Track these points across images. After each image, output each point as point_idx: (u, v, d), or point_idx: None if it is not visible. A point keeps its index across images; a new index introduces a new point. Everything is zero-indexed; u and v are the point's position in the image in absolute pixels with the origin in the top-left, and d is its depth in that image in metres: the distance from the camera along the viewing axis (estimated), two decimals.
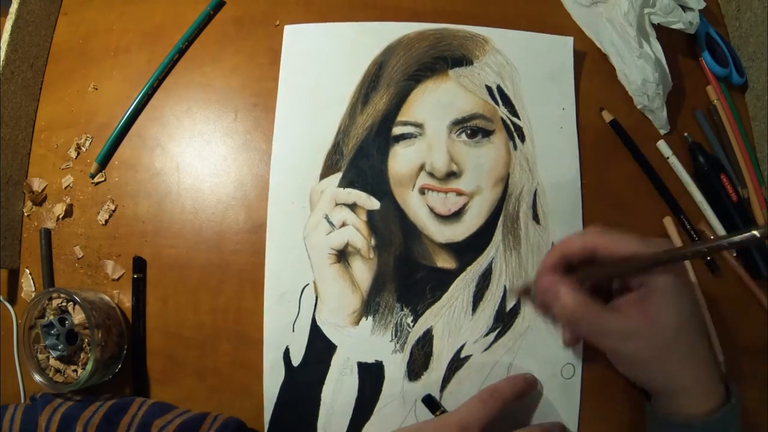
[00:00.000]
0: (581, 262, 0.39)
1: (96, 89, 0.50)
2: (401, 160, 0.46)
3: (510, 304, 0.44)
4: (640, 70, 0.46)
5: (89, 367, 0.40)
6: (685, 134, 0.49)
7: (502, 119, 0.46)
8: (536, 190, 0.46)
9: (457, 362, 0.43)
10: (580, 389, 0.43)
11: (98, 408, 0.40)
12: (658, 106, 0.47)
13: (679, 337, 0.36)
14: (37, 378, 0.42)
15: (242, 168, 0.47)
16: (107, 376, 0.44)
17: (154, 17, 0.51)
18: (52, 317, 0.42)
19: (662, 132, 0.48)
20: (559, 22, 0.50)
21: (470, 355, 0.43)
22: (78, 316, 0.42)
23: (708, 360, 0.38)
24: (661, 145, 0.48)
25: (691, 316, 0.37)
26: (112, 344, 0.43)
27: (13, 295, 0.47)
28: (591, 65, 0.49)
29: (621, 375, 0.43)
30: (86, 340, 0.42)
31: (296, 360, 0.43)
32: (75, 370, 0.42)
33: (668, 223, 0.47)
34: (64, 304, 0.43)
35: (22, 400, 0.45)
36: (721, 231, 0.47)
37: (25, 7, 0.49)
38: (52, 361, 0.42)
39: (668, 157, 0.48)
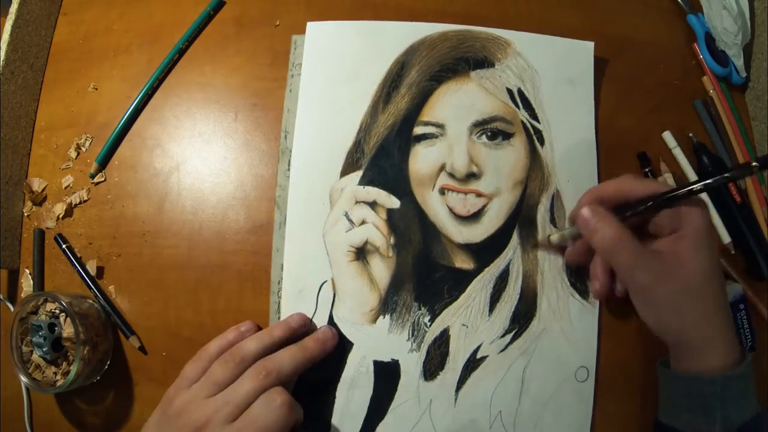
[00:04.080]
0: (613, 207, 0.40)
1: (96, 89, 0.50)
2: (422, 159, 0.46)
3: (526, 307, 0.44)
4: (722, 20, 0.49)
5: (70, 377, 0.40)
6: (690, 134, 0.49)
7: (522, 122, 0.46)
8: (554, 193, 0.46)
9: (473, 363, 0.43)
10: (593, 393, 0.43)
11: None
12: (734, 54, 0.50)
13: (709, 282, 0.37)
14: (20, 371, 0.41)
15: (242, 168, 0.47)
16: (88, 383, 0.43)
17: (154, 17, 0.51)
18: (44, 318, 0.42)
19: (740, 76, 0.51)
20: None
21: (486, 356, 0.43)
22: (68, 330, 0.42)
23: (729, 313, 0.38)
24: (666, 135, 0.48)
25: (718, 264, 0.38)
26: (95, 360, 0.43)
27: (13, 295, 0.47)
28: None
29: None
30: (71, 352, 0.42)
31: None
32: (55, 373, 0.42)
33: None
34: (57, 312, 0.43)
35: (24, 399, 0.45)
36: (723, 233, 0.47)
37: (25, 7, 0.49)
38: (35, 357, 0.42)
39: (674, 148, 0.48)
